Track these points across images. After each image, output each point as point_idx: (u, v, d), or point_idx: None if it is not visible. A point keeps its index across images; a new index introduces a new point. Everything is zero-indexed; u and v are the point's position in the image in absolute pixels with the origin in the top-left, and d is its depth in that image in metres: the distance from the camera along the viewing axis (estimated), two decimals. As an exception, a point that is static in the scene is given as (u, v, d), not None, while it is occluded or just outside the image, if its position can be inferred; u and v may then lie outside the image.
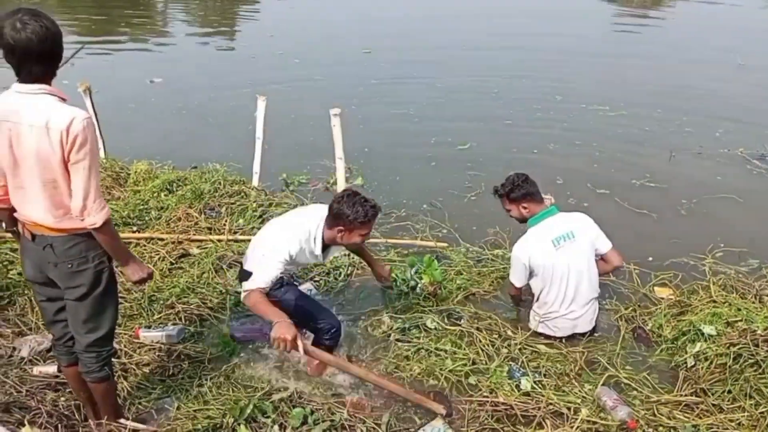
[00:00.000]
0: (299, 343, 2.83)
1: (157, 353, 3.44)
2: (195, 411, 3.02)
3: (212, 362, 3.47)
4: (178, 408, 3.05)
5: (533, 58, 11.18)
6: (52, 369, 3.14)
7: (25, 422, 2.70)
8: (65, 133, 2.16)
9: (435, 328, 3.69)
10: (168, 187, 5.31)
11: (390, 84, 9.61)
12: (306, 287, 3.81)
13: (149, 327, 3.63)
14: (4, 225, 2.54)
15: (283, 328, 2.81)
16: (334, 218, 3.08)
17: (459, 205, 5.55)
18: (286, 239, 3.10)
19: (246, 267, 3.12)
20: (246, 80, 9.66)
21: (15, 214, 2.40)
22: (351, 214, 3.02)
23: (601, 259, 3.72)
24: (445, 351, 3.49)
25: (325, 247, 3.23)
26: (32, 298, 3.70)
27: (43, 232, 2.34)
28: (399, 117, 8.13)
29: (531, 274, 3.65)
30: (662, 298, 4.07)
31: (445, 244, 4.74)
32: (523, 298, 3.97)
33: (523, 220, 3.70)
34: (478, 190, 5.81)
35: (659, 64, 10.75)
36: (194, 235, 4.70)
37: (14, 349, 3.37)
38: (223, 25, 15.56)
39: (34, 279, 2.48)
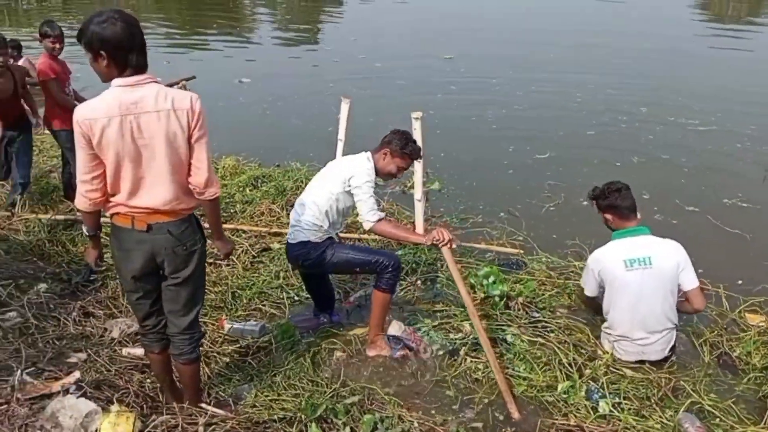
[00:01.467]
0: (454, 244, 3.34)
1: (237, 344, 3.57)
2: (271, 401, 3.11)
3: (282, 353, 3.56)
4: (255, 396, 3.14)
5: (619, 66, 10.87)
6: (140, 351, 3.30)
7: (114, 400, 2.86)
8: (190, 111, 2.35)
9: (514, 342, 3.56)
10: (253, 182, 5.52)
11: (469, 90, 9.58)
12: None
13: (233, 320, 3.77)
14: (85, 230, 2.64)
15: (438, 232, 3.29)
16: (382, 144, 3.53)
17: (537, 215, 5.46)
18: (361, 169, 3.43)
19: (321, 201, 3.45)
20: (328, 82, 9.90)
21: (120, 209, 2.47)
22: (399, 142, 3.49)
23: (683, 295, 3.52)
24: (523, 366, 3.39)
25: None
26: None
27: (158, 219, 2.45)
28: (477, 123, 8.09)
29: (600, 287, 3.53)
30: (752, 325, 3.85)
31: (521, 251, 4.67)
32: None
33: (611, 229, 3.59)
34: (557, 200, 5.70)
35: (753, 78, 10.19)
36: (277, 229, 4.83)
37: (105, 329, 3.57)
38: (307, 29, 15.96)
39: (141, 272, 2.53)
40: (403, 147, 3.48)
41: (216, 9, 18.70)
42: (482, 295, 3.94)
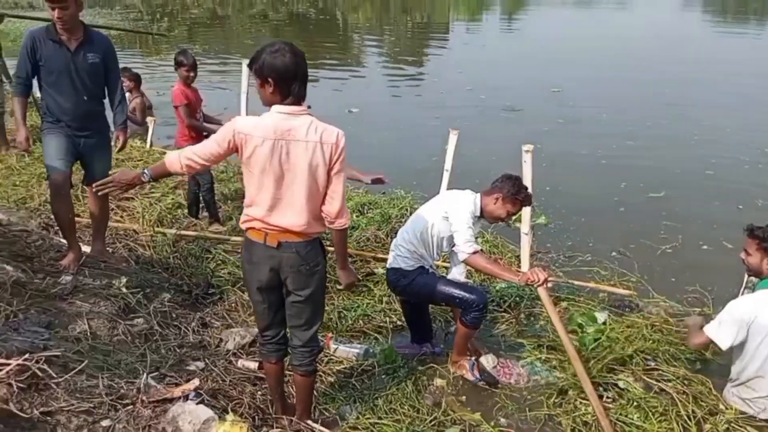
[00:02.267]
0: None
1: (342, 364, 3.65)
2: (372, 424, 3.14)
3: (384, 377, 3.61)
4: (357, 418, 3.19)
5: (741, 102, 10.25)
6: (253, 365, 3.45)
7: (229, 409, 3.00)
8: (335, 146, 2.53)
9: (627, 389, 3.39)
10: (360, 209, 5.65)
11: (578, 123, 9.38)
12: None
13: (339, 340, 3.86)
14: (149, 173, 2.71)
15: (533, 272, 3.30)
16: (494, 188, 3.60)
17: (652, 256, 5.23)
18: (464, 204, 3.53)
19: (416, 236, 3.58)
20: (434, 114, 10.02)
21: (255, 224, 2.63)
22: (513, 188, 3.54)
23: None
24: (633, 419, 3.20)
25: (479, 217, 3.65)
26: (241, 297, 4.13)
27: (289, 238, 2.61)
28: (586, 158, 7.89)
29: (741, 337, 3.26)
30: None
31: (635, 293, 4.47)
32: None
33: (757, 274, 3.34)
34: (674, 242, 5.43)
35: None
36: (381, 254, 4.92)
37: (221, 340, 3.76)
38: (414, 60, 16.27)
39: (267, 285, 2.71)
40: (516, 193, 3.55)
41: (327, 40, 19.54)
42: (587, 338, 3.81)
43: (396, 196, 6.00)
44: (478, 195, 3.62)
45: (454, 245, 3.56)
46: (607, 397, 3.36)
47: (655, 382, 3.44)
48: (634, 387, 3.38)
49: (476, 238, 3.57)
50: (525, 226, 4.72)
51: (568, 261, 5.06)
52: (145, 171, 2.73)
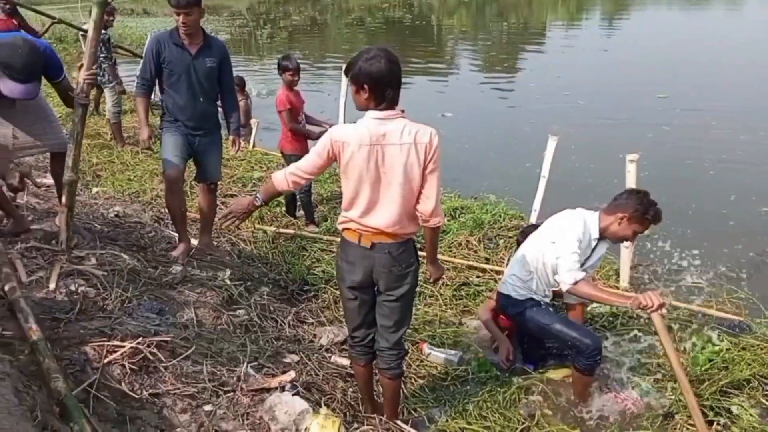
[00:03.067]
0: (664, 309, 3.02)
1: (435, 369, 3.66)
2: (461, 428, 3.12)
3: (477, 384, 3.57)
4: (446, 421, 3.18)
5: None
6: (345, 361, 3.52)
7: (322, 403, 3.08)
8: (429, 146, 2.55)
9: (740, 415, 3.17)
10: (452, 213, 5.63)
11: (685, 132, 8.88)
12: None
13: (433, 346, 3.87)
14: (261, 197, 2.81)
15: (647, 297, 2.98)
16: (617, 207, 3.35)
17: (764, 274, 4.86)
18: (572, 227, 3.34)
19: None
20: (528, 118, 9.83)
21: (351, 225, 2.70)
22: (642, 207, 3.28)
23: None
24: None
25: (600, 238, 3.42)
26: (334, 295, 4.23)
27: (382, 239, 2.67)
28: (692, 167, 7.46)
29: None
30: None
31: (745, 313, 4.18)
32: None
33: None
34: (791, 260, 5.04)
35: None
36: (473, 261, 4.88)
37: (315, 336, 3.87)
38: (510, 64, 16.01)
39: (360, 284, 2.77)
40: (645, 212, 3.29)
41: (422, 45, 19.62)
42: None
43: (488, 202, 5.93)
44: (596, 214, 3.40)
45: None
46: (718, 424, 3.16)
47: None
48: (749, 413, 3.15)
49: (583, 263, 3.33)
50: (626, 238, 4.53)
51: (671, 275, 4.80)
52: (258, 195, 2.84)
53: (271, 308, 3.92)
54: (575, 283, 3.21)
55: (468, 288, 4.61)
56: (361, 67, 2.50)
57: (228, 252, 4.65)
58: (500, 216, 5.57)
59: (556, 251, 3.30)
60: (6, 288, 2.88)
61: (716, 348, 3.59)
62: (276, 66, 5.50)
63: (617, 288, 4.48)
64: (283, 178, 2.74)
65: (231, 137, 4.41)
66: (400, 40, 21.27)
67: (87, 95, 3.51)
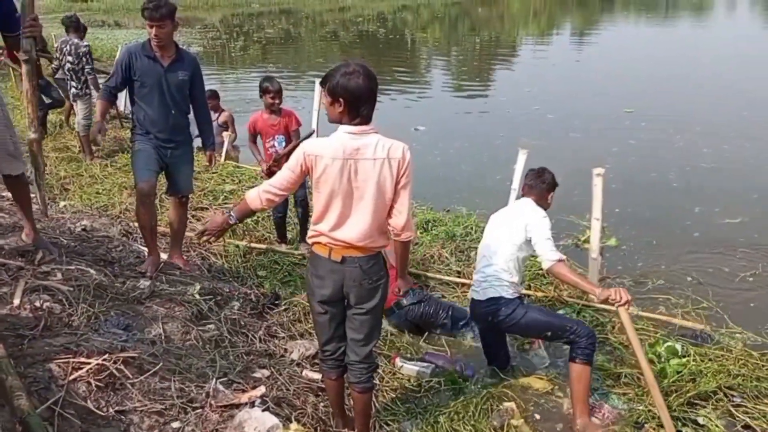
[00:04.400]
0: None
1: (407, 381, 3.67)
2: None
3: (450, 395, 3.59)
4: (417, 436, 3.19)
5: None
6: (316, 376, 3.51)
7: (292, 418, 3.06)
8: (402, 161, 2.58)
9: (707, 426, 3.21)
10: (424, 226, 5.67)
11: (650, 145, 9.08)
12: None
13: (405, 358, 3.88)
14: (233, 214, 2.83)
15: (617, 291, 3.14)
16: (543, 189, 3.78)
17: (729, 284, 4.99)
18: (539, 211, 3.60)
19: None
20: (499, 132, 9.97)
21: (321, 239, 2.70)
22: (553, 179, 3.83)
23: None
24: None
25: None
26: (305, 309, 4.22)
27: (352, 253, 2.67)
28: (657, 181, 7.63)
29: None
30: None
31: (711, 324, 4.28)
32: None
33: None
34: (754, 270, 5.16)
35: None
36: (444, 275, 4.91)
37: (286, 350, 3.84)
38: (481, 78, 16.22)
39: (330, 298, 2.76)
40: (554, 181, 3.82)
41: (395, 59, 19.76)
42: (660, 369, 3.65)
43: (460, 214, 5.99)
44: (532, 201, 3.72)
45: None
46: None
47: (740, 418, 3.27)
48: (716, 424, 3.21)
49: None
50: (594, 250, 4.62)
51: (638, 286, 4.89)
52: (231, 214, 2.85)
53: (242, 323, 3.89)
54: (559, 261, 3.37)
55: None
56: (339, 81, 2.51)
57: (198, 266, 4.61)
58: (472, 228, 5.62)
59: (534, 237, 3.46)
60: (-32, 305, 2.83)
61: (684, 360, 3.66)
62: (258, 87, 5.20)
63: (586, 300, 4.55)
64: (257, 196, 2.74)
65: (208, 153, 4.39)
66: (374, 54, 21.40)
67: (27, 52, 3.25)
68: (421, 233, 5.60)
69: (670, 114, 10.80)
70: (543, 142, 9.06)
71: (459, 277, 4.95)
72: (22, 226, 3.96)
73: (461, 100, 13.24)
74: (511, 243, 3.57)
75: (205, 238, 2.93)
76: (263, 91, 5.07)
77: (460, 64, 19.42)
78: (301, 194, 5.21)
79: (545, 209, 3.70)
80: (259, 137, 5.24)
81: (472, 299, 3.71)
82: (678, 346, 3.79)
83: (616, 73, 15.01)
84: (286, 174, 2.68)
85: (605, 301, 3.20)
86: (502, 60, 19.08)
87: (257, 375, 3.35)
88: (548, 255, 3.39)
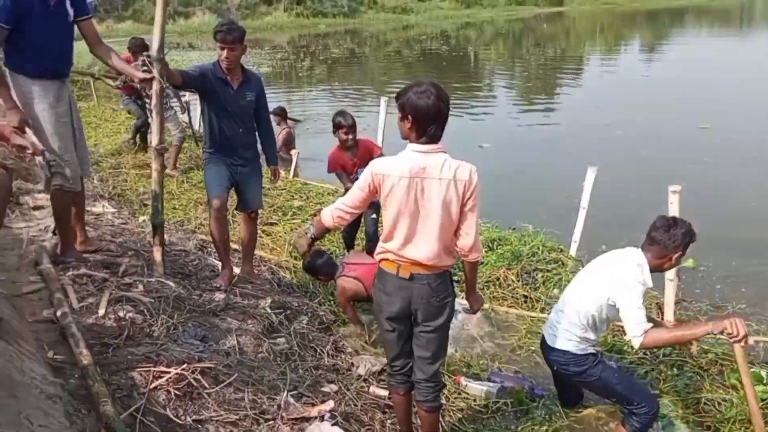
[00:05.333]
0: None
1: (473, 401, 3.63)
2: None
3: (517, 418, 3.54)
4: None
5: None
6: (384, 393, 3.52)
7: (360, 434, 3.09)
8: (468, 183, 2.58)
9: None
10: (489, 244, 5.61)
11: (727, 163, 8.72)
12: None
13: (470, 378, 3.85)
14: (311, 232, 2.97)
15: (732, 323, 2.83)
16: (666, 247, 3.15)
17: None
18: (631, 277, 3.09)
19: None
20: (567, 150, 9.79)
21: (389, 256, 2.75)
22: (687, 237, 3.14)
23: None
24: None
25: None
26: (371, 325, 4.26)
27: (420, 271, 2.70)
28: (735, 200, 7.31)
29: None
30: None
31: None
32: None
33: None
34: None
35: None
36: (509, 305, 4.86)
37: (352, 365, 3.88)
38: (547, 95, 16.02)
39: (398, 315, 2.79)
40: (691, 240, 3.16)
41: (458, 75, 19.77)
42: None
43: (527, 233, 5.90)
44: (643, 257, 3.17)
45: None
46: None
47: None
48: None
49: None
50: (670, 271, 4.44)
51: (717, 310, 4.69)
52: (310, 229, 2.99)
53: (310, 337, 3.96)
54: (644, 333, 2.95)
55: (509, 331, 4.57)
56: (410, 99, 2.55)
57: (268, 280, 4.73)
58: (539, 248, 5.52)
59: (622, 308, 3.03)
60: (58, 314, 2.99)
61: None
62: (331, 122, 4.96)
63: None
64: (329, 214, 2.81)
65: (271, 168, 4.51)
66: (437, 71, 21.48)
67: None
68: (486, 252, 5.54)
69: (748, 130, 10.34)
70: (613, 159, 8.86)
71: (525, 302, 4.87)
72: (105, 238, 4.19)
73: (526, 116, 13.10)
74: (591, 299, 3.19)
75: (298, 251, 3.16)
76: (337, 127, 4.88)
77: (525, 80, 19.24)
78: (372, 229, 5.15)
79: (660, 270, 3.25)
80: None
81: (543, 337, 3.50)
82: (763, 373, 3.60)
83: (688, 88, 14.50)
84: (356, 193, 2.74)
85: (722, 334, 2.93)
86: (568, 75, 18.78)
87: (326, 389, 3.40)
88: (633, 331, 2.97)
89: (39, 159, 3.13)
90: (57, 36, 3.49)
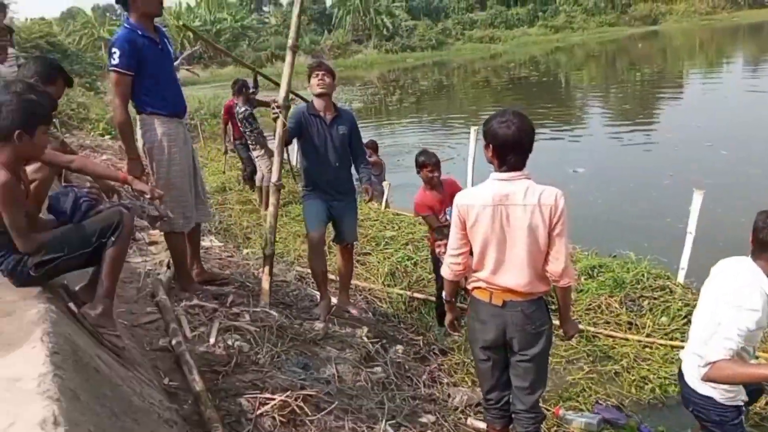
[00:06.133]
0: None
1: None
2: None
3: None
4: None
5: None
6: (481, 425, 3.48)
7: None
8: (554, 207, 2.57)
9: None
10: (589, 272, 5.44)
11: None
12: None
13: (569, 410, 3.74)
14: (444, 295, 3.01)
15: None
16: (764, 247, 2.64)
17: None
18: (748, 298, 2.56)
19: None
20: (667, 172, 9.37)
21: (481, 284, 2.75)
22: None
23: None
24: None
25: None
26: (467, 355, 4.23)
27: (513, 297, 2.69)
28: None
29: None
30: None
31: None
32: None
33: None
34: None
35: None
36: (612, 330, 4.67)
37: (449, 396, 3.87)
38: (644, 116, 15.42)
39: (492, 344, 2.78)
40: None
41: (549, 100, 19.49)
42: None
43: (629, 260, 5.67)
44: (754, 266, 2.66)
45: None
46: None
47: None
48: None
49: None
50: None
51: None
52: (445, 298, 3.02)
53: (407, 366, 3.99)
54: (716, 362, 2.52)
55: (609, 362, 4.37)
56: (491, 127, 2.61)
57: (364, 309, 4.82)
58: (643, 275, 5.28)
59: (720, 325, 2.58)
60: (173, 342, 3.20)
61: None
62: (414, 162, 4.74)
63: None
64: (447, 271, 2.84)
65: (364, 186, 4.63)
66: (527, 97, 21.28)
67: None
68: (585, 279, 5.38)
69: None
70: (719, 181, 8.38)
71: (630, 329, 4.66)
72: (213, 270, 4.45)
73: (623, 138, 12.67)
74: (714, 323, 2.66)
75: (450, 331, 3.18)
76: (420, 166, 4.67)
77: (621, 102, 18.64)
78: None
79: None
80: None
81: (680, 368, 3.01)
82: None
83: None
84: (454, 232, 2.77)
85: None
86: (666, 95, 18.03)
87: (423, 420, 3.40)
88: (711, 353, 2.54)
89: (155, 203, 3.35)
90: (171, 76, 3.80)
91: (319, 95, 4.29)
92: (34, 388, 1.71)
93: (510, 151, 2.58)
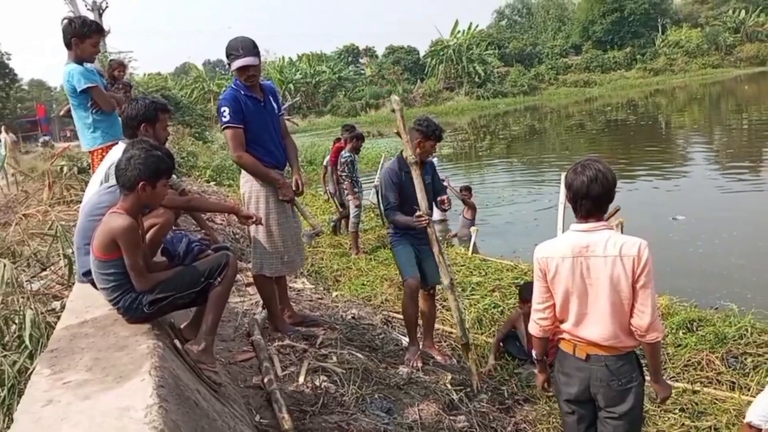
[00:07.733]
0: None
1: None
2: None
3: None
4: None
5: None
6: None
7: None
8: (637, 259, 2.52)
9: None
10: (687, 325, 5.17)
11: None
12: None
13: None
14: (534, 354, 2.98)
15: None
16: None
17: None
18: None
19: None
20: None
21: (565, 336, 2.74)
22: None
23: None
24: None
25: None
26: (552, 407, 4.13)
27: (597, 351, 2.65)
28: None
29: None
30: None
31: None
32: None
33: None
34: None
35: None
36: (714, 388, 4.41)
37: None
38: (752, 160, 14.57)
39: (577, 398, 2.74)
40: None
41: (648, 144, 18.84)
42: None
43: (731, 312, 5.35)
44: None
45: None
46: None
47: None
48: None
49: None
50: None
51: None
52: (535, 358, 3.02)
53: (491, 416, 3.95)
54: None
55: (708, 417, 4.10)
56: (569, 176, 2.64)
57: (449, 356, 4.83)
58: (747, 330, 4.97)
59: None
60: (265, 380, 3.38)
61: None
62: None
63: None
64: (534, 327, 2.84)
65: (439, 198, 4.73)
66: (623, 141, 20.68)
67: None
68: (684, 333, 5.12)
69: None
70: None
71: (732, 389, 4.37)
72: (304, 312, 4.65)
73: (728, 184, 12.02)
74: None
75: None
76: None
77: (726, 146, 17.72)
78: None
79: None
80: None
81: None
82: None
83: None
84: (537, 285, 2.78)
85: None
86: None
87: (507, 471, 3.36)
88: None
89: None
90: (274, 130, 4.10)
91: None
92: (142, 417, 1.88)
93: (582, 199, 2.59)
